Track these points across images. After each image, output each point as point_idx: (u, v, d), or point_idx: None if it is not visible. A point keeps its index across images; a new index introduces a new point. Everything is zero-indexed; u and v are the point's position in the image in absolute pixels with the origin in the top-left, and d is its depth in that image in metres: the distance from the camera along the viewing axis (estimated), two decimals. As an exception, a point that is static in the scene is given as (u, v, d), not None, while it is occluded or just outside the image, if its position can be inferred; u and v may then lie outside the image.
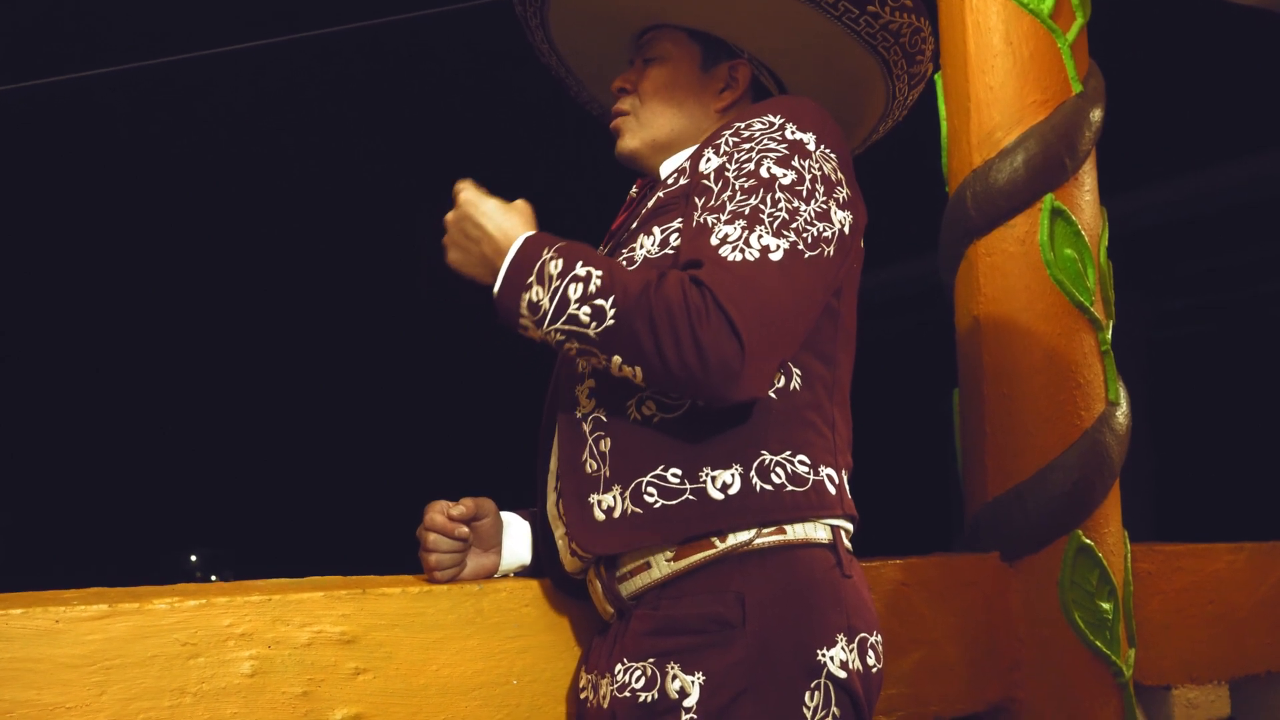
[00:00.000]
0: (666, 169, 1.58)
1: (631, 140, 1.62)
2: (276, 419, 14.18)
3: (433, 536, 1.55)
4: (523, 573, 1.66)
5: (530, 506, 1.65)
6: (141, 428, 14.17)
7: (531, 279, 1.36)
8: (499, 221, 1.42)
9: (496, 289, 1.39)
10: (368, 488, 13.85)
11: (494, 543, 1.62)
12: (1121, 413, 2.18)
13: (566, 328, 1.33)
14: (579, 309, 1.32)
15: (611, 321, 1.30)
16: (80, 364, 13.21)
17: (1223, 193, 7.36)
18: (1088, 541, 2.09)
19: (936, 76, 2.38)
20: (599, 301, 1.31)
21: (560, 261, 1.35)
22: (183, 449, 14.40)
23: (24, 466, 13.15)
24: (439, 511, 1.55)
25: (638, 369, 1.31)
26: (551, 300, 1.33)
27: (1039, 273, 2.18)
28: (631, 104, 1.62)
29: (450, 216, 1.45)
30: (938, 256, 2.37)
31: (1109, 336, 2.21)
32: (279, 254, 11.55)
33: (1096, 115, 2.26)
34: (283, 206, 10.67)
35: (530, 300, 1.36)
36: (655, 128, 1.60)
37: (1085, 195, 2.24)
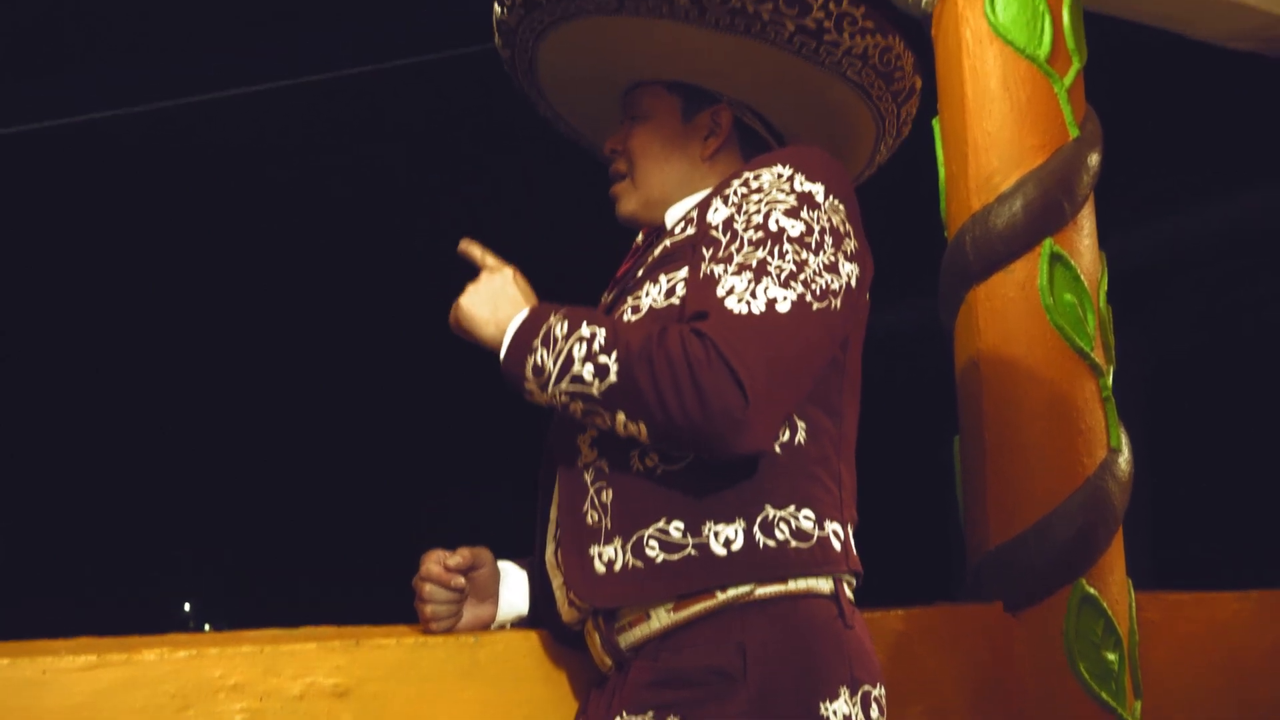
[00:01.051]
0: (672, 218, 1.58)
1: (628, 204, 1.63)
2: (272, 466, 14.14)
3: (429, 586, 1.52)
4: (520, 623, 1.63)
5: (527, 555, 1.63)
6: (135, 474, 14.12)
7: (537, 342, 1.36)
8: (524, 296, 1.44)
9: (503, 352, 1.40)
10: (363, 535, 13.78)
11: (491, 593, 1.59)
12: (1124, 459, 2.16)
13: (571, 388, 1.33)
14: (583, 368, 1.32)
15: (615, 378, 1.30)
16: (73, 409, 13.18)
17: (1217, 231, 7.39)
18: (1092, 591, 2.06)
19: (934, 121, 2.38)
20: (602, 359, 1.31)
21: (566, 324, 1.35)
22: (177, 496, 14.34)
23: (12, 512, 13.06)
24: (435, 561, 1.53)
25: (641, 425, 1.30)
26: (555, 362, 1.34)
27: (1039, 318, 2.17)
28: (624, 165, 1.64)
29: (487, 275, 1.46)
30: (937, 301, 2.36)
31: (1110, 382, 2.20)
32: (273, 305, 11.58)
33: (1094, 160, 2.26)
34: (272, 256, 10.70)
35: (535, 364, 1.36)
36: (647, 188, 1.61)
37: (1084, 240, 2.24)
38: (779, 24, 1.48)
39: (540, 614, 1.58)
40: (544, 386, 1.36)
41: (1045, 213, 2.19)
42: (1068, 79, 2.27)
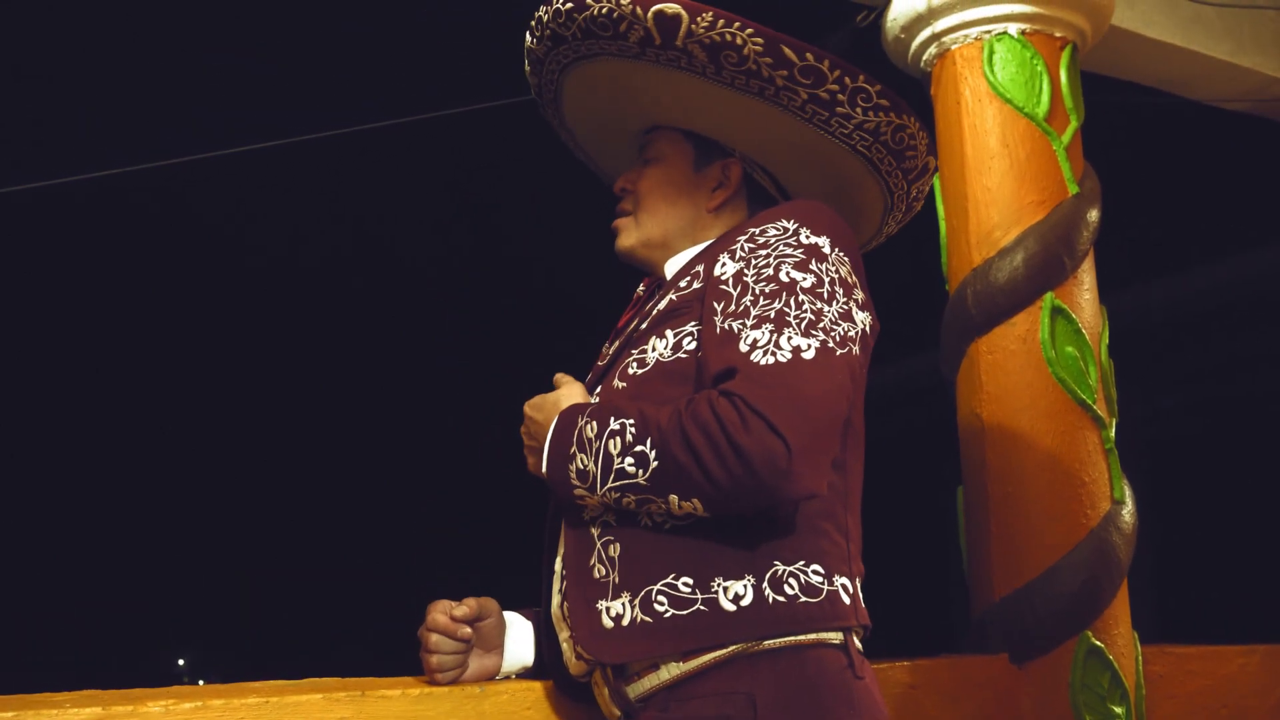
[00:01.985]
0: (672, 269, 1.59)
1: (627, 239, 1.65)
2: (268, 521, 14.07)
3: (435, 637, 1.52)
4: (525, 674, 1.62)
5: (532, 605, 1.63)
6: (127, 531, 14.04)
7: (573, 449, 1.37)
8: (546, 408, 1.45)
9: (545, 468, 1.41)
10: (367, 585, 13.68)
11: (496, 643, 1.59)
12: (1128, 511, 2.16)
13: (618, 483, 1.33)
14: (623, 462, 1.32)
15: (656, 463, 1.29)
16: (63, 461, 13.15)
17: (1217, 285, 7.44)
18: (1098, 643, 2.06)
19: (934, 177, 2.41)
20: (639, 448, 1.31)
21: (594, 423, 1.36)
22: (170, 553, 14.24)
23: (3, 568, 12.96)
24: (441, 611, 1.52)
25: (695, 501, 1.29)
26: (597, 463, 1.34)
27: (1041, 371, 2.19)
28: (631, 204, 1.65)
29: (524, 432, 1.48)
30: (939, 354, 2.37)
31: (1112, 434, 2.21)
32: (275, 360, 11.59)
33: (1093, 215, 2.29)
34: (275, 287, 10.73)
35: (578, 469, 1.36)
36: (649, 227, 1.62)
37: (1085, 294, 2.26)
38: (792, 91, 1.50)
39: (546, 665, 1.58)
40: (593, 489, 1.35)
41: (1046, 267, 2.21)
42: (1066, 137, 2.30)
